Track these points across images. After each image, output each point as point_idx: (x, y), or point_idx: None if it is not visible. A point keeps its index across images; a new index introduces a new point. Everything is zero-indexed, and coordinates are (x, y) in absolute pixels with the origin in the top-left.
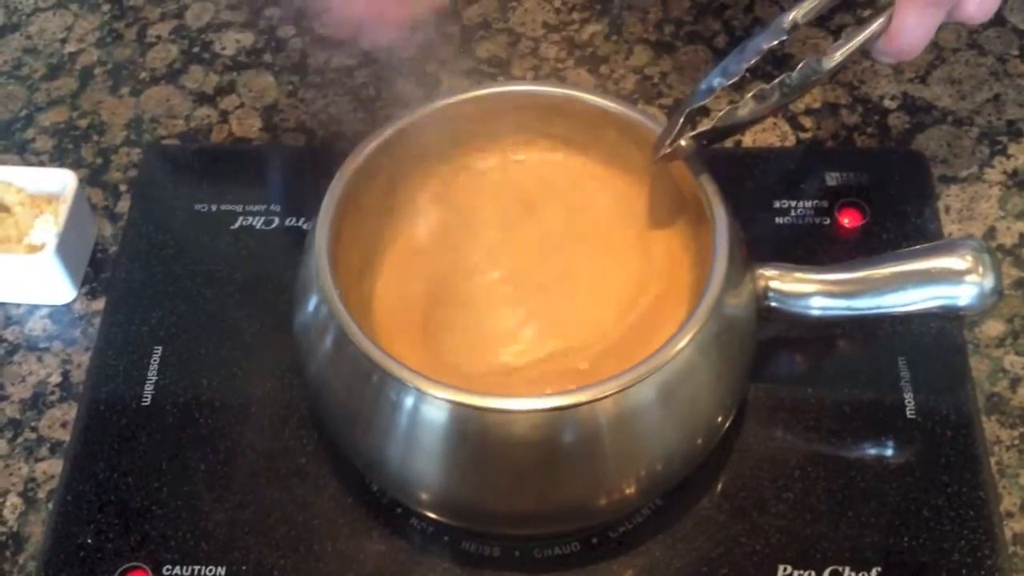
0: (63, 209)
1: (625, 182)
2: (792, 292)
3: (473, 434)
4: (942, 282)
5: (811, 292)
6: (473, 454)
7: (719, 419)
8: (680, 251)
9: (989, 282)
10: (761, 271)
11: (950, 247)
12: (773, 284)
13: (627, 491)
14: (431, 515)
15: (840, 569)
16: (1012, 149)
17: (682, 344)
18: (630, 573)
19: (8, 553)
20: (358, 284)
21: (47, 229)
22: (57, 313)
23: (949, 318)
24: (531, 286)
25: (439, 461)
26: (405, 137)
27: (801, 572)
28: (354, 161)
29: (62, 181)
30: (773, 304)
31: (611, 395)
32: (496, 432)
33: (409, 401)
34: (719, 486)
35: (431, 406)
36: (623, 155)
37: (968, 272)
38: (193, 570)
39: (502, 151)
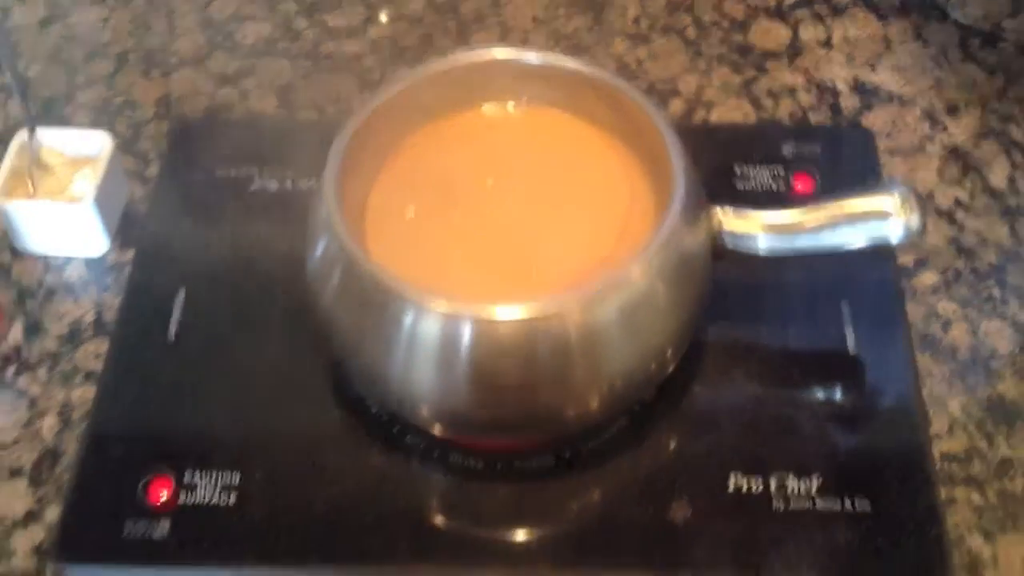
0: (100, 166)
1: (598, 137)
2: (742, 232)
3: (463, 343)
4: (873, 220)
5: (759, 232)
6: (463, 361)
7: (673, 346)
8: (644, 197)
9: (914, 219)
10: (716, 211)
11: (879, 190)
12: (726, 224)
13: (592, 404)
14: (425, 428)
15: (784, 475)
16: (951, 127)
17: (641, 266)
18: (598, 483)
19: (46, 465)
20: (360, 224)
21: (86, 183)
22: (92, 263)
23: (881, 252)
24: (511, 224)
25: (434, 370)
26: (403, 97)
27: (750, 478)
28: (358, 117)
29: (99, 143)
30: (726, 242)
31: (577, 305)
32: (481, 340)
33: (408, 316)
34: (678, 411)
35: (427, 319)
36: (597, 113)
37: (895, 211)
38: (212, 474)
39: (488, 110)
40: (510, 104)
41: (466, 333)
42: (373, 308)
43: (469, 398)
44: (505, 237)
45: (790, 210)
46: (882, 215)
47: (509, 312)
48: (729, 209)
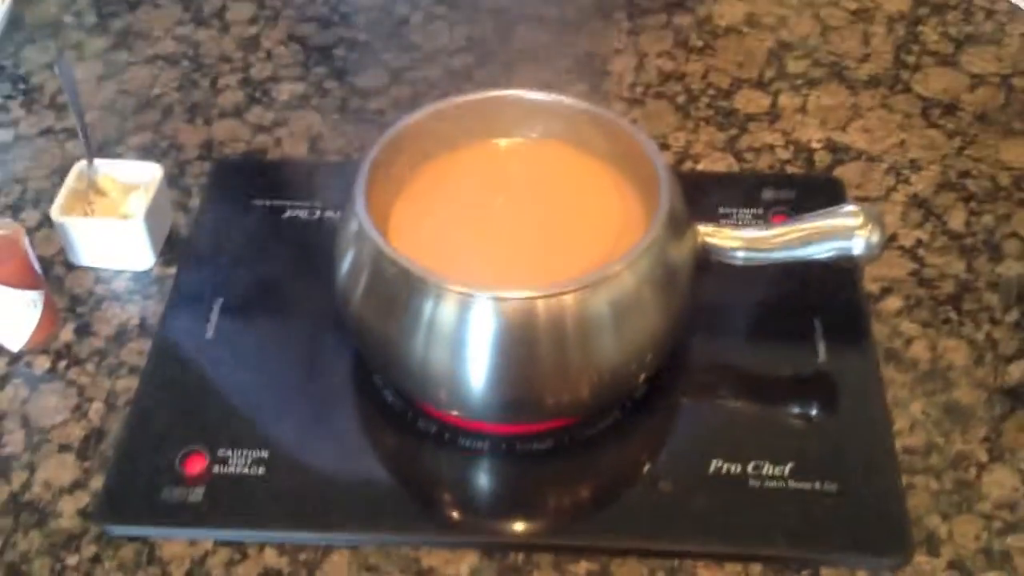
0: (151, 191)
1: (598, 166)
2: (724, 246)
3: (475, 322)
4: (839, 236)
5: (738, 246)
6: (474, 339)
7: (658, 346)
8: (636, 216)
9: (875, 236)
10: (700, 227)
11: (844, 209)
12: (709, 239)
13: (584, 391)
14: (438, 410)
15: (760, 463)
16: (913, 180)
17: (628, 266)
18: (591, 464)
19: (92, 442)
20: (384, 233)
21: (138, 204)
22: (138, 276)
23: (846, 265)
24: (518, 236)
25: (449, 350)
26: (423, 125)
27: (730, 464)
28: (384, 139)
29: (149, 172)
30: (709, 254)
31: (573, 293)
32: (490, 319)
33: (429, 301)
34: (666, 408)
35: (446, 301)
36: (594, 144)
37: (859, 228)
38: (243, 451)
39: (500, 142)
40: (519, 138)
41: (478, 313)
42: (399, 298)
43: (478, 376)
44: (513, 246)
45: (765, 229)
46: (847, 231)
47: (515, 294)
48: (711, 226)
